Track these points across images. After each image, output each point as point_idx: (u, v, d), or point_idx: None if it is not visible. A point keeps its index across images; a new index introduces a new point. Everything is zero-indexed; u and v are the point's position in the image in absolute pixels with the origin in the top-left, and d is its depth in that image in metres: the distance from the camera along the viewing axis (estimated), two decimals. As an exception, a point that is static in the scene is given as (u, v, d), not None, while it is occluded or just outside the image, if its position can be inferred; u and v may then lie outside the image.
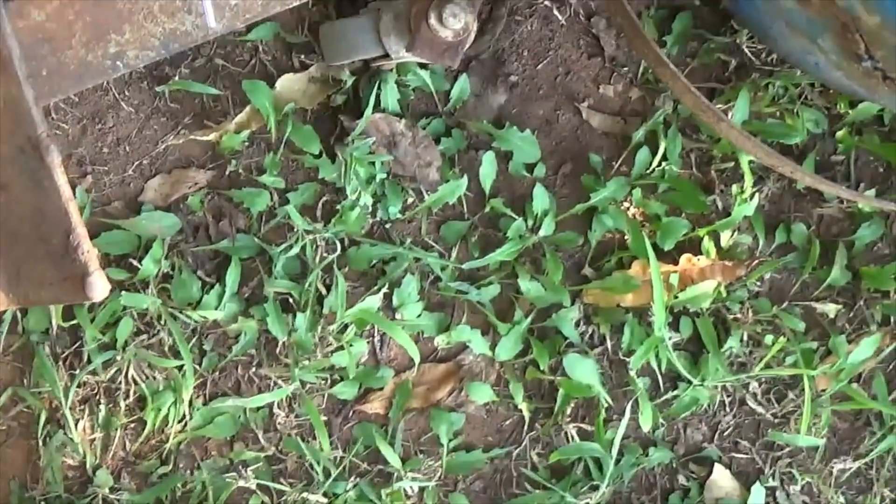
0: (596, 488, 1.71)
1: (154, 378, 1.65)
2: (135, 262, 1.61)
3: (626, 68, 1.71)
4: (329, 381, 1.68)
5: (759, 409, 1.75)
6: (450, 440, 1.70)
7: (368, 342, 1.69)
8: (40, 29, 1.23)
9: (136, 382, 1.65)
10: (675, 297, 1.68)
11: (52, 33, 1.24)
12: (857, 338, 1.73)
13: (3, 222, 1.12)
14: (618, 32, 1.70)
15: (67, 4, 1.24)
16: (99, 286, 1.09)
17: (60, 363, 1.64)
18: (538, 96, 1.70)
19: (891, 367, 1.76)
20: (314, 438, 1.68)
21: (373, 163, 1.63)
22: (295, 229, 1.63)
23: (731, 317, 1.71)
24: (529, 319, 1.69)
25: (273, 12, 1.30)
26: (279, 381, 1.67)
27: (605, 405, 1.70)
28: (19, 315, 1.63)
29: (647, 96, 1.71)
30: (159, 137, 1.64)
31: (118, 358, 1.64)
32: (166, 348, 1.64)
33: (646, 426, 1.69)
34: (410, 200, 1.67)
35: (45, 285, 1.11)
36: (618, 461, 1.71)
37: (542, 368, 1.69)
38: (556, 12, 1.68)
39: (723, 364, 1.69)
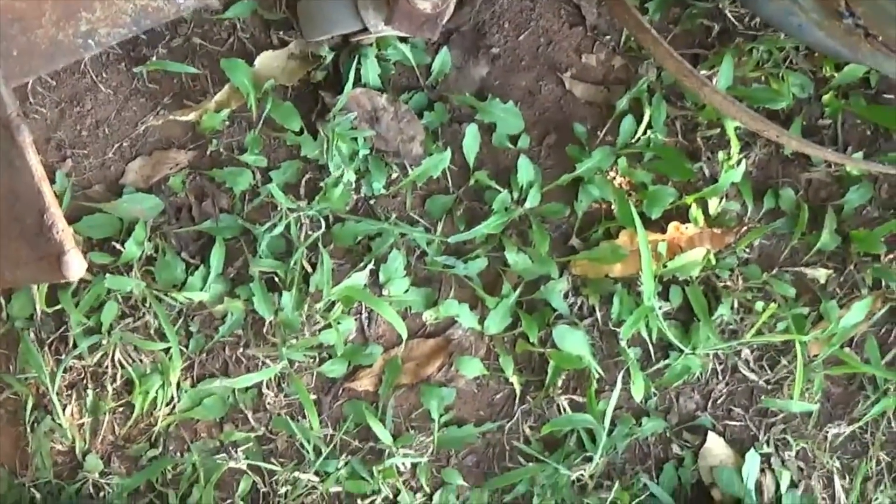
0: (589, 460, 1.70)
1: (141, 361, 1.64)
2: (118, 246, 1.60)
3: (608, 37, 1.70)
4: (317, 360, 1.68)
5: (752, 376, 1.74)
6: (441, 415, 1.69)
7: (356, 319, 1.68)
8: (9, 8, 1.22)
9: (122, 366, 1.64)
10: (664, 266, 1.67)
11: (22, 13, 1.22)
12: (849, 302, 1.72)
13: (-25, 204, 1.10)
14: (599, 1, 1.68)
15: (36, -17, 1.23)
16: (75, 264, 1.08)
17: (46, 349, 1.63)
18: (520, 67, 1.69)
19: (882, 330, 1.75)
20: (304, 417, 1.67)
21: (355, 138, 1.62)
22: (278, 208, 1.62)
23: (721, 284, 1.70)
24: (518, 292, 1.68)
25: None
26: (267, 361, 1.66)
27: (597, 376, 1.68)
28: (3, 302, 1.62)
29: (630, 64, 1.70)
30: (139, 119, 1.63)
31: (104, 342, 1.63)
32: (152, 331, 1.63)
33: (638, 396, 1.68)
34: (394, 175, 1.66)
35: (21, 265, 1.10)
36: (611, 432, 1.70)
37: (531, 341, 1.68)
38: (536, -18, 1.68)
39: (714, 332, 1.68)
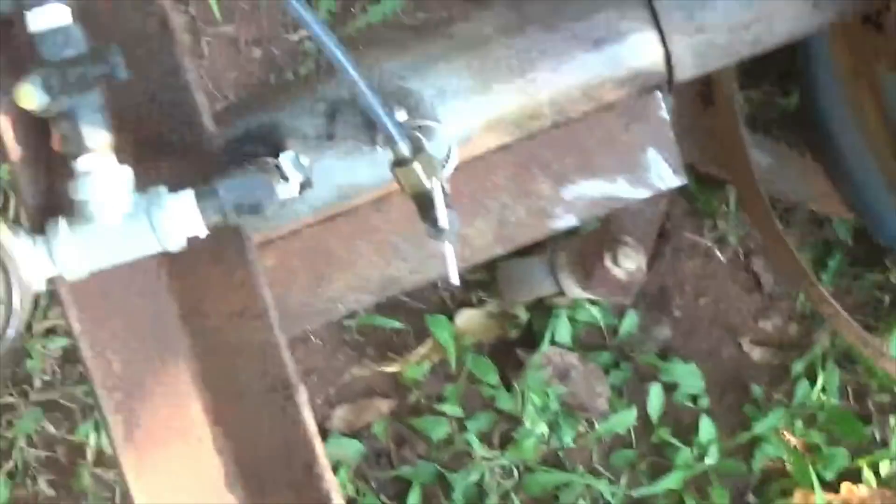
0: None
1: None
2: (323, 488, 1.68)
3: (783, 303, 1.78)
4: None
5: None
6: None
7: (545, 569, 1.73)
8: (270, 275, 1.33)
9: None
10: (839, 527, 1.71)
11: (278, 278, 1.34)
12: None
13: (248, 453, 1.20)
14: (779, 270, 1.77)
15: (292, 251, 1.34)
16: (339, 516, 1.16)
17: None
18: (700, 330, 1.77)
19: None
20: None
21: (547, 393, 1.70)
22: (473, 456, 1.70)
23: (894, 546, 1.74)
24: (698, 546, 1.73)
25: (489, 257, 1.34)
26: None
27: None
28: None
29: (805, 330, 1.78)
30: (345, 368, 1.73)
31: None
32: (351, 573, 1.69)
33: None
34: (582, 429, 1.73)
35: (286, 514, 1.18)
36: None
37: None
38: (717, 252, 1.77)
39: None
